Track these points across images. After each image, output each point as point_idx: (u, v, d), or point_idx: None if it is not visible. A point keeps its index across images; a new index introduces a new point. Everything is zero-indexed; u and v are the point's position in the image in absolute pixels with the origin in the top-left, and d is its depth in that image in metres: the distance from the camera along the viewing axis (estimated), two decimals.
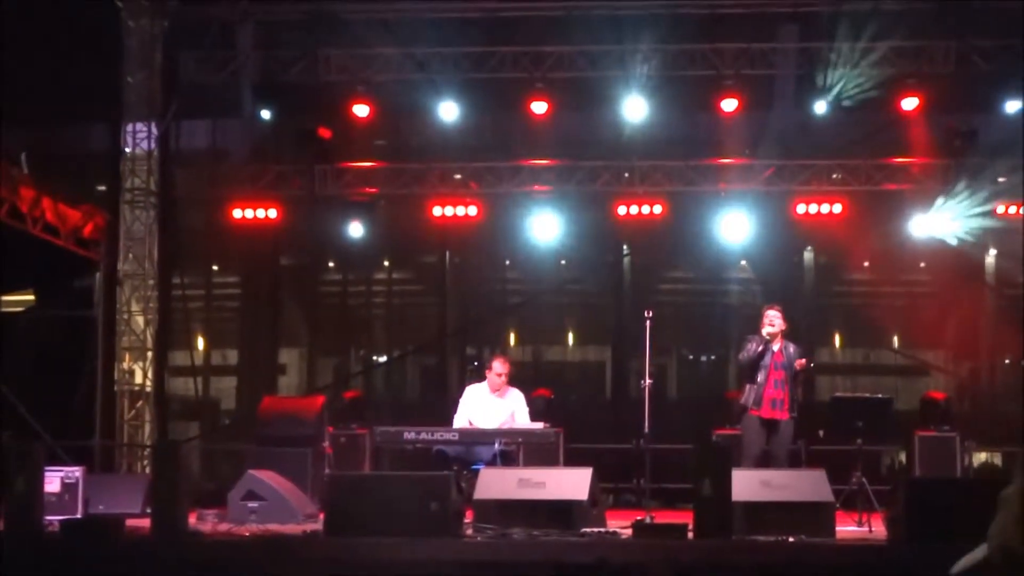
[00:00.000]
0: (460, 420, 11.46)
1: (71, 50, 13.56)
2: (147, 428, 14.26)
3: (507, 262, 17.48)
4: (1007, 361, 17.20)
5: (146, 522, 9.53)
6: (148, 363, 14.42)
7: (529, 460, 11.73)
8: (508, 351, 17.89)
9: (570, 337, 18.59)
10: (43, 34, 13.00)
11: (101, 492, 11.31)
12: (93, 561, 8.32)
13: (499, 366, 11.54)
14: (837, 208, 15.32)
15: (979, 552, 1.44)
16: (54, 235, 13.39)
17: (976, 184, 14.88)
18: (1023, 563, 1.51)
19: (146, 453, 13.74)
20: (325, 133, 15.54)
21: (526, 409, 11.61)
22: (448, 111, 15.06)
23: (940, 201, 15.06)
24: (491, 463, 10.86)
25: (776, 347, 11.12)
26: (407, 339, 18.08)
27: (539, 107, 14.98)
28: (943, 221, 15.14)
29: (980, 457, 14.81)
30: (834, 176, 15.51)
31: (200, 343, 17.41)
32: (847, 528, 9.90)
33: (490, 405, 11.48)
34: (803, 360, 11.22)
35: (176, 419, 16.35)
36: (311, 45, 14.84)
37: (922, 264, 16.68)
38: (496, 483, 9.74)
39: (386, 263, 17.85)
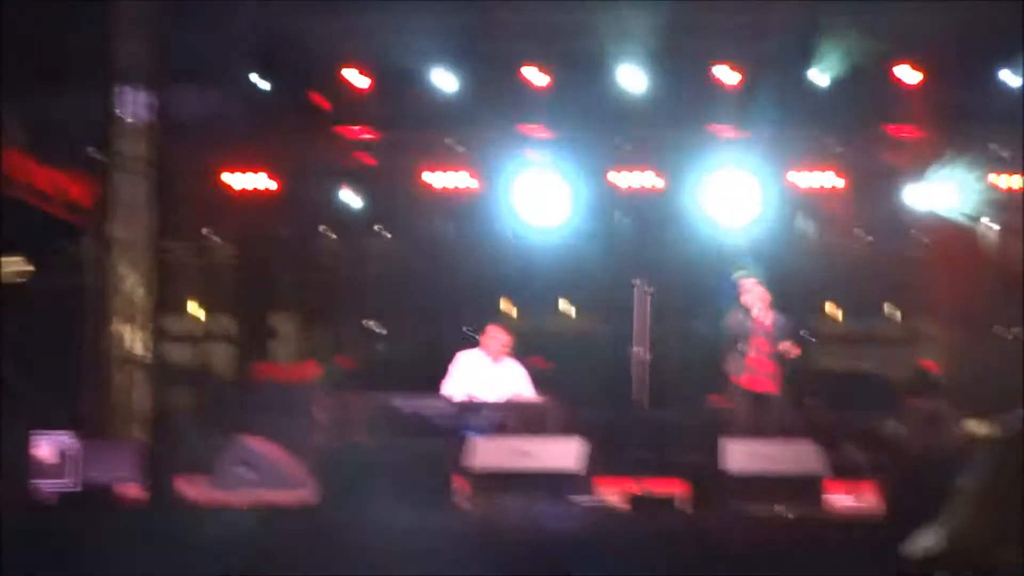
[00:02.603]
0: (453, 387, 11.45)
1: (64, 14, 13.44)
2: (139, 394, 14.22)
3: (503, 230, 17.41)
4: (1009, 334, 17.19)
5: (137, 489, 9.53)
6: (140, 329, 14.37)
7: (523, 429, 11.75)
8: (504, 319, 17.88)
9: (566, 306, 18.57)
10: None
11: (94, 459, 11.27)
12: (87, 530, 8.32)
13: (498, 334, 11.51)
14: (833, 179, 15.29)
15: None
16: (45, 201, 13.32)
17: (974, 154, 14.83)
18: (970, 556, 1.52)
19: (138, 420, 13.70)
20: (320, 100, 15.46)
21: (529, 381, 11.59)
22: (444, 79, 14.98)
23: (937, 171, 15.01)
24: (484, 432, 10.87)
25: (759, 315, 11.12)
26: (402, 306, 18.04)
27: (534, 75, 14.91)
28: (939, 191, 15.10)
29: (974, 427, 14.80)
30: (832, 147, 15.45)
31: (193, 309, 17.38)
32: (838, 498, 9.92)
33: (489, 373, 11.45)
34: (791, 346, 11.24)
35: (169, 385, 16.29)
36: (306, 12, 14.72)
37: (919, 234, 16.63)
38: (487, 452, 9.76)
39: (380, 230, 17.78)
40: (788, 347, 11.34)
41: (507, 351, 11.54)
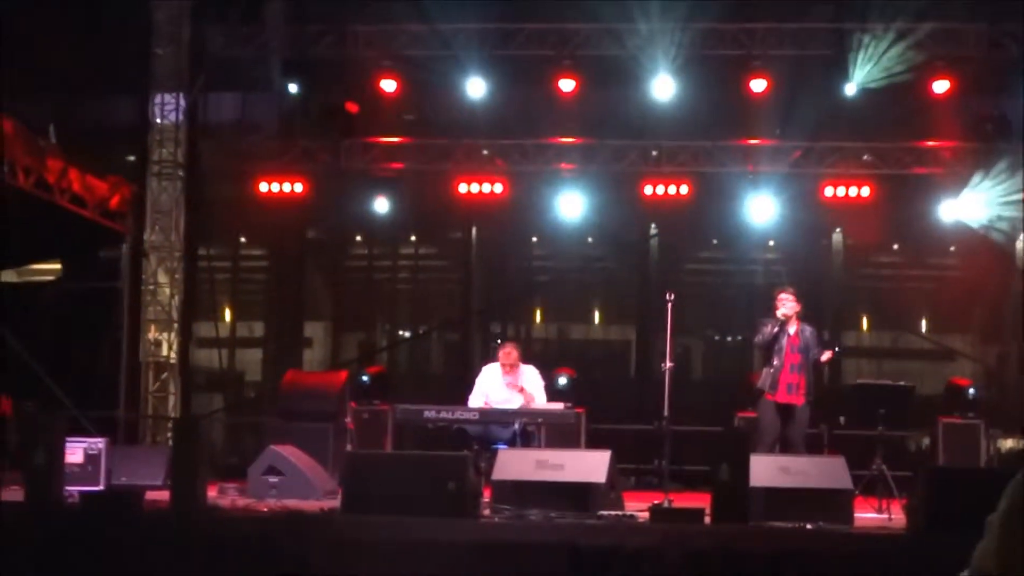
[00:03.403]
0: (476, 399, 11.48)
1: (100, 22, 13.58)
2: (172, 400, 14.34)
3: (533, 239, 17.44)
4: None
5: (166, 495, 9.59)
6: (173, 335, 14.49)
7: (551, 440, 11.76)
8: (533, 329, 17.90)
9: (595, 316, 18.56)
10: (72, 6, 13.03)
11: (124, 464, 11.39)
12: (112, 533, 8.38)
13: (504, 356, 11.58)
14: (865, 191, 15.22)
15: None
16: (81, 206, 13.45)
17: (1006, 169, 14.73)
18: None
19: (170, 425, 13.81)
20: (352, 107, 15.54)
21: (540, 383, 11.60)
22: (475, 87, 15.02)
23: (969, 186, 14.92)
24: (511, 443, 10.87)
25: (792, 330, 11.08)
26: (432, 315, 18.10)
27: (566, 84, 14.94)
28: (972, 206, 15.01)
29: (1006, 444, 14.70)
30: (864, 158, 15.38)
31: (226, 315, 17.48)
32: (866, 515, 9.87)
33: (503, 386, 11.50)
34: (830, 352, 11.19)
35: (201, 391, 16.42)
36: (339, 19, 14.82)
37: (951, 248, 16.55)
38: (514, 464, 9.74)
39: (412, 238, 17.85)
40: (828, 355, 11.29)
41: (517, 361, 11.58)
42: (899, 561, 8.38)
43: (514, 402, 11.37)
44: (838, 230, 16.76)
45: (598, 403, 13.80)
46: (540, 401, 11.46)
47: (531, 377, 11.63)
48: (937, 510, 8.60)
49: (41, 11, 12.59)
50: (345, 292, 17.95)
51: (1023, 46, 14.17)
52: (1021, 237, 15.99)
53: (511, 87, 15.26)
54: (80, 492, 9.39)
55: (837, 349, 12.49)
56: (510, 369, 11.54)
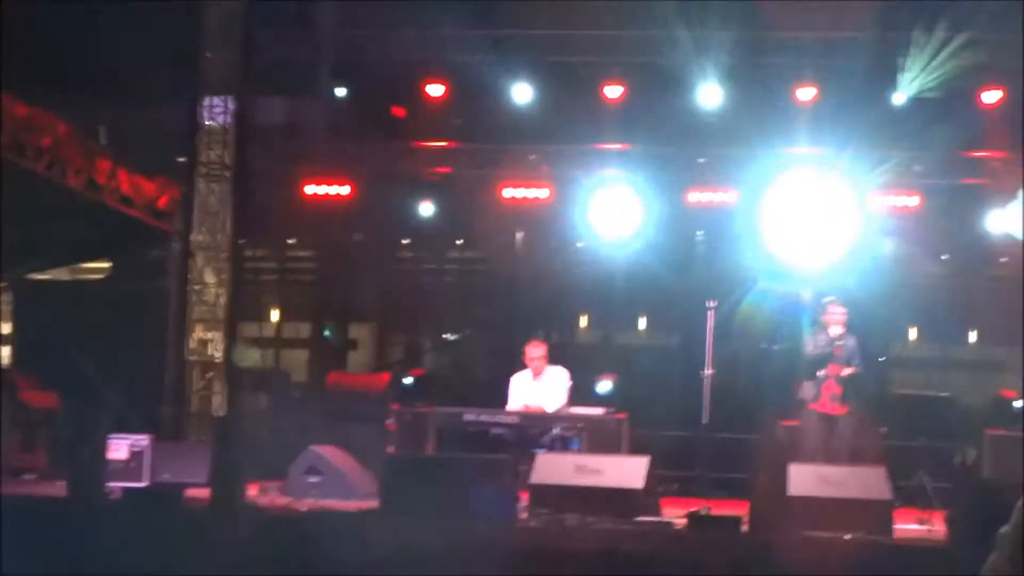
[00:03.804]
0: (512, 407, 11.53)
1: (151, 24, 13.73)
2: (217, 399, 14.46)
3: (579, 244, 17.42)
4: None
5: (207, 492, 9.68)
6: (219, 334, 14.62)
7: (592, 446, 11.75)
8: (578, 334, 17.89)
9: (641, 322, 18.52)
10: (123, 8, 13.18)
11: (167, 461, 11.48)
12: (153, 529, 8.48)
13: (531, 350, 11.58)
14: (913, 201, 15.11)
15: None
16: (129, 206, 13.62)
17: None
18: None
19: (213, 423, 13.93)
20: (399, 112, 15.63)
21: (566, 385, 11.62)
22: (522, 93, 15.05)
23: (1019, 197, 14.75)
24: (550, 447, 10.90)
25: (837, 339, 11.05)
26: (477, 319, 18.13)
27: (613, 91, 14.94)
28: (1021, 217, 14.83)
29: None
30: (914, 168, 15.26)
31: (272, 316, 17.62)
32: (907, 527, 9.78)
33: (530, 390, 11.53)
34: (851, 369, 11.17)
35: (246, 391, 16.54)
36: (388, 24, 14.90)
37: (1001, 260, 16.36)
38: (553, 468, 9.77)
39: (458, 242, 17.91)
40: (848, 371, 11.27)
41: (544, 362, 11.59)
42: (938, 573, 8.31)
43: (545, 407, 11.39)
44: (887, 239, 16.62)
45: (642, 409, 13.76)
46: (557, 403, 11.49)
47: (555, 378, 11.64)
48: (978, 522, 8.51)
49: (92, 14, 12.75)
50: (391, 295, 18.02)
51: None
52: None
53: (558, 93, 15.27)
54: (122, 488, 9.51)
55: (882, 359, 12.41)
56: (538, 367, 11.54)
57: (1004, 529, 1.54)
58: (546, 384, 11.59)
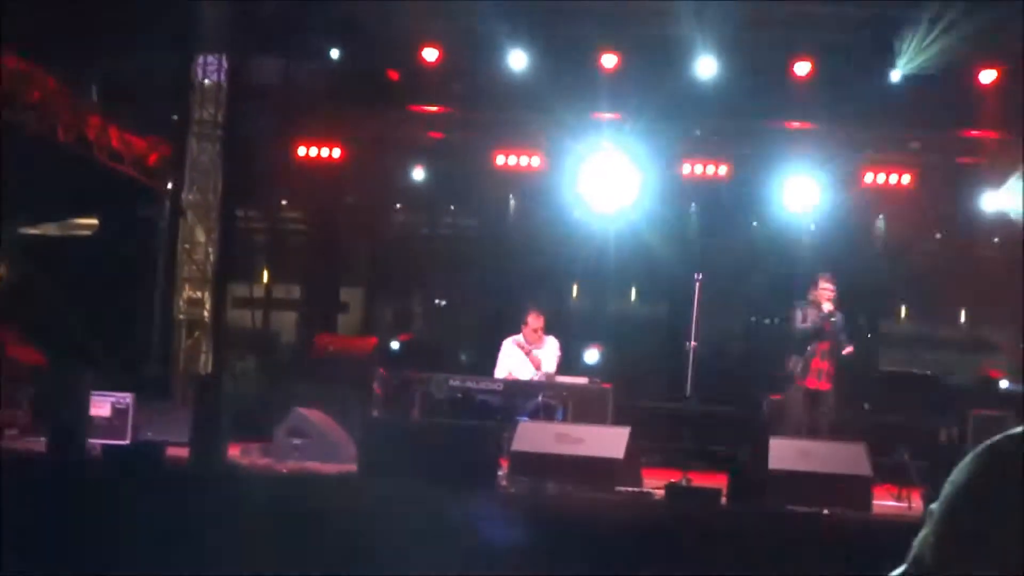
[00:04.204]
0: (500, 372, 11.52)
1: None
2: (203, 358, 14.45)
3: (573, 213, 17.37)
4: None
5: (187, 452, 9.68)
6: (208, 294, 14.59)
7: (577, 415, 11.76)
8: (570, 302, 17.86)
9: (632, 293, 18.49)
10: None
11: (150, 419, 11.48)
12: (133, 486, 8.49)
13: (533, 320, 11.58)
14: (907, 178, 15.09)
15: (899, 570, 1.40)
16: (119, 163, 13.57)
17: None
18: None
19: (198, 383, 13.91)
20: (394, 76, 15.55)
21: (556, 356, 11.64)
22: (517, 60, 14.98)
23: (1015, 178, 14.73)
24: (534, 416, 10.90)
25: (827, 314, 11.05)
26: (468, 285, 18.09)
27: (609, 61, 14.87)
28: (1017, 198, 14.82)
29: None
30: (911, 145, 15.22)
31: (263, 276, 17.59)
32: (885, 503, 9.81)
33: (523, 361, 11.52)
34: (851, 347, 11.17)
35: (234, 351, 16.52)
36: None
37: (994, 240, 16.34)
38: (534, 436, 9.78)
39: (451, 208, 17.86)
40: (849, 350, 11.27)
41: (542, 334, 11.60)
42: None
43: (533, 374, 11.42)
44: (881, 216, 16.60)
45: (629, 379, 13.78)
46: (548, 369, 11.51)
47: (551, 348, 11.66)
48: None
49: None
50: (381, 259, 17.99)
51: None
52: None
53: (553, 61, 15.19)
54: (103, 445, 9.51)
55: (870, 335, 12.42)
56: (536, 337, 11.56)
57: (934, 504, 1.51)
58: (541, 353, 11.60)
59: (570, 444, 9.58)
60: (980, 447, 1.53)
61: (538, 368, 11.45)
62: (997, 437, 1.53)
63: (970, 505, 1.49)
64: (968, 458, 1.53)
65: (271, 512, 8.00)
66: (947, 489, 1.54)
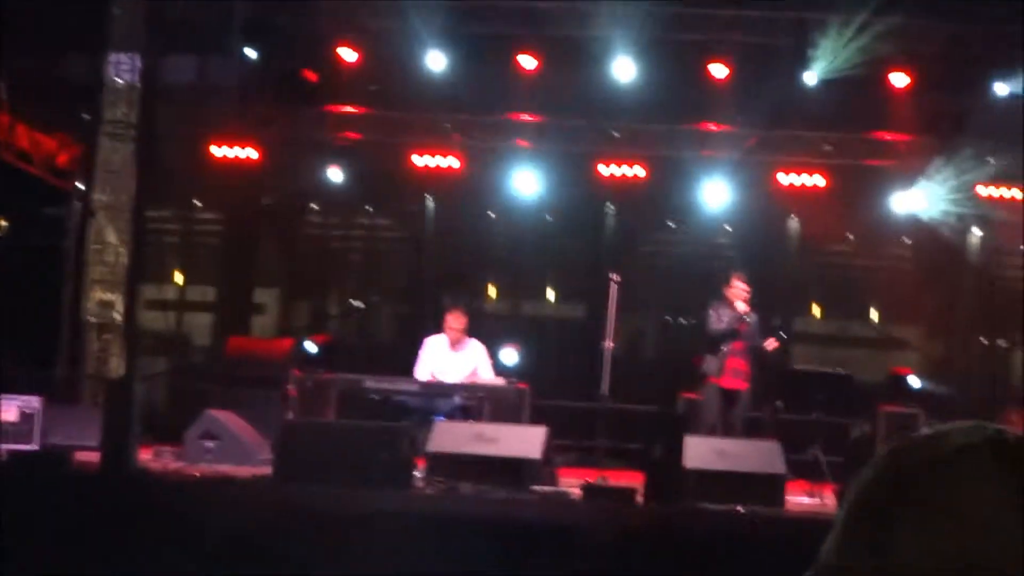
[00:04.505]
0: (421, 372, 11.47)
1: None
2: (114, 361, 14.23)
3: (490, 214, 17.38)
4: (983, 341, 17.22)
5: (98, 456, 9.52)
6: (120, 295, 14.37)
7: (494, 415, 11.74)
8: (485, 304, 17.85)
9: (548, 293, 18.53)
10: None
11: (60, 423, 11.25)
12: (41, 492, 8.32)
13: (453, 320, 11.53)
14: (820, 180, 15.30)
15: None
16: (28, 162, 13.31)
17: (962, 165, 14.81)
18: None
19: (110, 386, 13.68)
20: (311, 76, 15.43)
21: (488, 362, 11.62)
22: (436, 61, 14.94)
23: (924, 179, 15.00)
24: (451, 416, 10.87)
25: (741, 312, 11.15)
26: (384, 286, 18.01)
27: (528, 62, 14.89)
28: (926, 199, 15.10)
29: None
30: (824, 148, 15.44)
31: (176, 278, 17.36)
32: (799, 499, 9.92)
33: (450, 358, 11.48)
34: (775, 341, 11.27)
35: (146, 353, 16.29)
36: None
37: (905, 240, 16.63)
38: (450, 436, 9.76)
39: (367, 208, 17.75)
40: (770, 343, 11.36)
41: (463, 334, 11.57)
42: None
43: (458, 376, 11.37)
44: (793, 217, 16.80)
45: (545, 379, 13.79)
46: (488, 377, 11.48)
47: (480, 352, 11.63)
48: None
49: None
50: (297, 260, 17.84)
51: (982, 43, 14.21)
52: (973, 232, 16.11)
53: (472, 62, 15.18)
54: (10, 451, 9.31)
55: (783, 335, 12.56)
56: (457, 338, 11.51)
57: (837, 512, 1.50)
58: (467, 356, 11.55)
59: (486, 444, 9.57)
60: (881, 451, 1.52)
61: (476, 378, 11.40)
62: (897, 441, 1.52)
63: (868, 513, 1.48)
64: (869, 464, 1.52)
65: (184, 516, 7.89)
66: (848, 495, 1.53)
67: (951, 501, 1.34)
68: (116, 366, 14.13)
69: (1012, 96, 14.56)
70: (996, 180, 15.03)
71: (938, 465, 1.36)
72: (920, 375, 14.45)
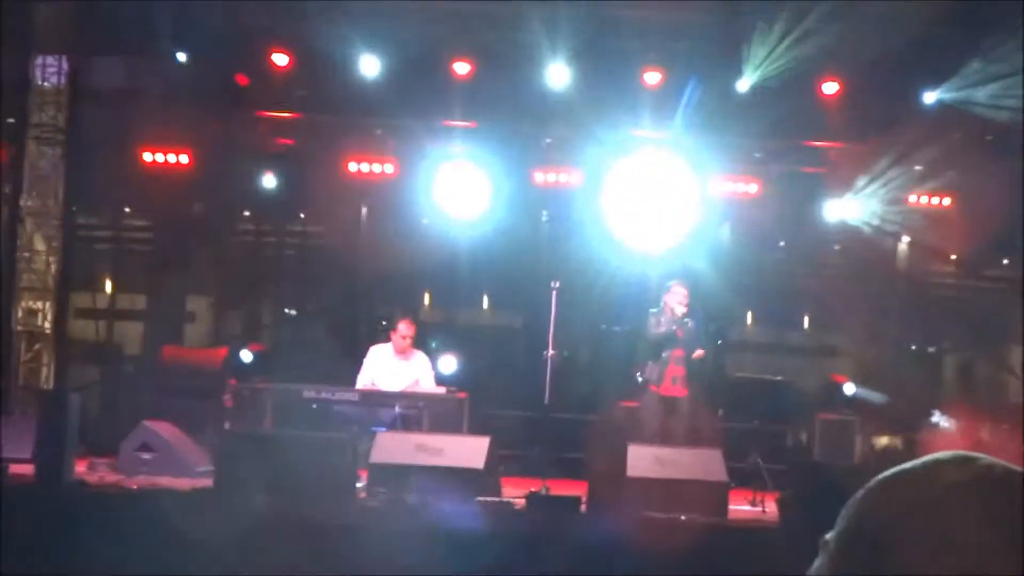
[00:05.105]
0: (364, 380, 11.37)
1: None
2: (45, 371, 13.94)
3: (424, 221, 17.27)
4: (913, 348, 17.45)
5: (31, 468, 9.30)
6: (49, 304, 14.08)
7: (434, 425, 11.67)
8: (421, 312, 17.74)
9: (484, 301, 18.47)
10: None
11: None
12: None
13: (404, 328, 11.45)
14: (752, 187, 15.40)
15: None
16: None
17: (892, 172, 14.99)
18: None
19: (40, 396, 13.40)
20: (242, 80, 15.23)
21: (432, 373, 11.55)
22: (369, 66, 14.81)
23: (855, 187, 15.15)
24: (391, 426, 10.77)
25: (679, 320, 11.18)
26: (318, 294, 17.83)
27: (461, 68, 14.82)
28: (857, 206, 15.26)
29: (881, 442, 14.96)
30: (756, 155, 15.54)
31: (106, 286, 17.06)
32: (741, 507, 9.96)
33: (394, 367, 11.39)
34: (701, 351, 11.31)
35: (77, 363, 15.98)
36: None
37: (836, 247, 16.78)
38: (393, 447, 9.67)
39: (301, 215, 17.57)
40: (699, 353, 11.41)
41: (411, 344, 11.48)
42: (771, 553, 8.47)
43: (400, 385, 11.28)
44: (727, 224, 16.88)
45: (484, 389, 13.72)
46: (428, 388, 11.41)
47: (424, 363, 11.55)
48: (808, 503, 8.70)
49: None
50: (230, 268, 17.60)
51: (913, 52, 14.38)
52: (904, 239, 16.32)
53: (405, 67, 15.07)
54: None
55: (720, 342, 12.61)
56: (405, 346, 11.42)
57: (829, 535, 1.50)
58: (412, 366, 11.46)
59: (430, 455, 9.49)
60: (873, 482, 1.53)
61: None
62: (888, 472, 1.54)
63: (863, 543, 1.49)
64: (861, 493, 1.53)
65: (124, 529, 7.72)
66: (841, 524, 1.53)
67: (946, 535, 1.39)
68: (47, 376, 13.84)
69: (940, 104, 14.77)
70: (925, 188, 15.23)
71: (931, 503, 1.41)
72: (854, 382, 14.58)
